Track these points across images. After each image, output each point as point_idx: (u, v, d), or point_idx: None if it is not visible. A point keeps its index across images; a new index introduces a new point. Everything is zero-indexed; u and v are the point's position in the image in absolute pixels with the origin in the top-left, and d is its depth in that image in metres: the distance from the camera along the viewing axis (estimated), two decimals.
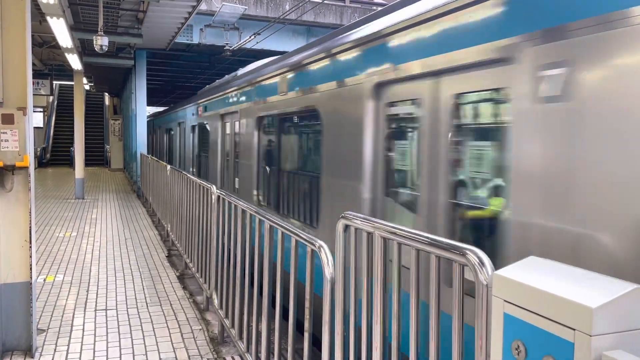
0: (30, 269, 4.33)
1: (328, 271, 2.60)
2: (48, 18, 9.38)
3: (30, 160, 4.26)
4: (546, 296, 1.31)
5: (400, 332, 2.16)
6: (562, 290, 1.30)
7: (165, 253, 8.24)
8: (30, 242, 4.32)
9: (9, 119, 4.15)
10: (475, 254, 1.62)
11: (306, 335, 2.83)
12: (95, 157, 30.05)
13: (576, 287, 1.33)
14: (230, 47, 16.69)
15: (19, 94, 4.28)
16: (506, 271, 1.48)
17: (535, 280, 1.39)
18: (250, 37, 15.81)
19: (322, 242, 2.70)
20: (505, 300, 1.43)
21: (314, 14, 17.30)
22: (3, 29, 4.21)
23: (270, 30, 15.67)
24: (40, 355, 4.33)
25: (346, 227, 2.55)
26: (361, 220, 2.40)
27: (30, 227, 4.32)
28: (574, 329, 1.23)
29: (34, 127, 5.02)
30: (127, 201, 14.67)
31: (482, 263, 1.59)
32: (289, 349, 3.07)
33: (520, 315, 1.38)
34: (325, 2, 16.63)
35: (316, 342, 3.72)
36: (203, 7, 14.79)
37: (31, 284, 4.34)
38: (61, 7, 8.86)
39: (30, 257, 4.32)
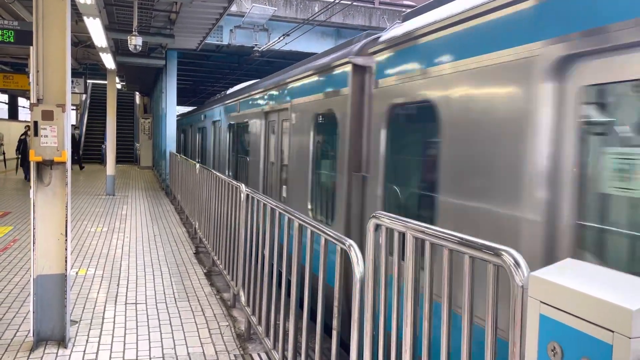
0: (66, 261, 4.45)
1: (358, 270, 2.61)
2: (85, 18, 9.64)
3: (67, 156, 4.39)
4: (584, 298, 1.30)
5: (431, 334, 2.16)
6: (601, 292, 1.29)
7: (193, 250, 8.37)
8: (66, 235, 4.45)
9: (48, 116, 4.28)
10: (511, 254, 1.61)
11: (334, 333, 2.84)
12: (125, 154, 30.64)
13: (614, 289, 1.31)
14: (259, 48, 16.85)
15: (58, 91, 4.41)
16: (542, 272, 1.48)
17: (572, 281, 1.38)
18: (279, 38, 15.94)
19: (352, 241, 2.72)
20: (541, 302, 1.43)
21: (343, 16, 17.32)
22: (45, 28, 4.35)
23: (299, 32, 15.76)
24: (73, 345, 4.45)
25: (377, 227, 2.56)
26: (392, 220, 2.41)
27: (67, 220, 4.44)
28: (613, 331, 1.22)
29: None
30: (155, 198, 14.93)
31: (517, 264, 1.58)
32: (317, 347, 3.09)
33: (556, 317, 1.37)
34: (354, 3, 16.64)
35: (343, 344, 3.73)
36: (233, 8, 14.96)
37: (66, 276, 4.46)
38: (97, 8, 9.09)
39: (66, 249, 4.45)
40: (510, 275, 1.59)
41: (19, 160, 20.63)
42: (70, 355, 4.26)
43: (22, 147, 19.26)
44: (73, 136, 24.69)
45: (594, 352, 1.26)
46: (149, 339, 4.65)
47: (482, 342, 1.77)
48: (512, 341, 1.58)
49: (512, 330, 1.58)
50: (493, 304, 1.73)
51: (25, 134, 19.23)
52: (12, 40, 8.12)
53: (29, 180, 16.21)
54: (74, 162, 24.50)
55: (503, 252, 1.64)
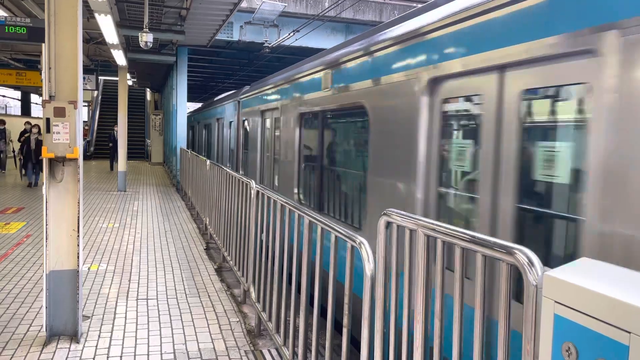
0: (78, 257, 4.48)
1: (369, 268, 2.60)
2: (96, 15, 9.68)
3: (79, 152, 4.41)
4: (600, 298, 1.28)
5: (443, 333, 2.14)
6: (617, 292, 1.27)
7: (203, 246, 8.40)
8: (78, 232, 4.48)
9: (60, 112, 4.31)
10: (525, 253, 1.59)
11: (345, 330, 2.84)
12: (137, 151, 30.82)
13: (631, 289, 1.29)
14: (270, 44, 16.84)
15: (70, 88, 4.43)
16: (557, 272, 1.45)
17: (588, 281, 1.36)
18: (289, 34, 15.91)
19: (362, 239, 2.70)
20: (556, 302, 1.41)
21: (353, 11, 17.26)
22: (56, 25, 4.37)
23: (309, 28, 15.73)
24: (85, 340, 4.49)
25: (388, 224, 2.54)
26: (404, 218, 2.39)
27: (79, 216, 4.47)
28: (630, 332, 1.20)
29: None
30: (166, 194, 15.00)
31: (531, 263, 1.56)
32: (327, 344, 3.08)
33: (571, 317, 1.35)
34: None
35: (353, 342, 3.74)
36: (243, 4, 14.97)
37: (78, 272, 4.49)
38: (108, 5, 9.13)
39: (78, 245, 4.48)
40: (524, 275, 1.57)
41: (21, 162, 16.53)
42: (82, 350, 4.30)
43: (26, 148, 15.75)
44: (110, 134, 23.95)
45: (610, 353, 1.24)
46: (160, 334, 4.67)
47: (495, 339, 1.76)
48: (525, 341, 1.56)
49: (525, 330, 1.56)
50: (506, 302, 1.71)
51: (26, 131, 16.25)
52: (24, 38, 8.17)
53: (30, 186, 15.92)
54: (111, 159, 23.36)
55: (516, 251, 1.62)
